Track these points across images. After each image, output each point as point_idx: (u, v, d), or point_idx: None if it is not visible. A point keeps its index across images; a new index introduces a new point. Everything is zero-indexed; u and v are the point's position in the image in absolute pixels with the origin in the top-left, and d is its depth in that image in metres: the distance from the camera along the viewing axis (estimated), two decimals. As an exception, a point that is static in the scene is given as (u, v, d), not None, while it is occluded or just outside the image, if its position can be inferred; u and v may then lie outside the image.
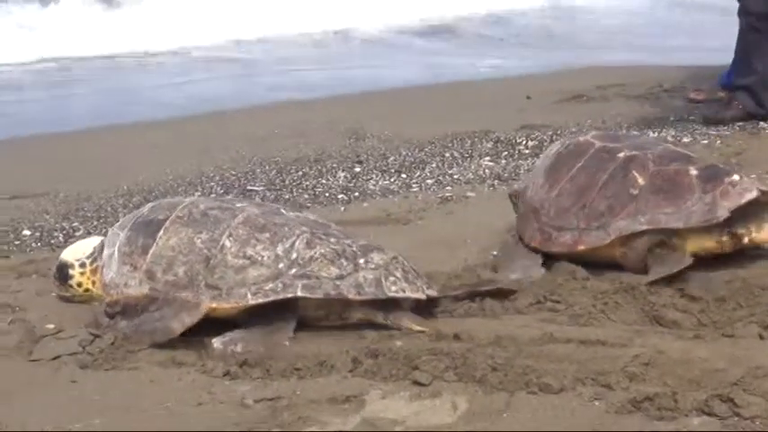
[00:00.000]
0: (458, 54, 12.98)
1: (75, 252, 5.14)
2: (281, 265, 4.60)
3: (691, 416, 3.77)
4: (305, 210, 6.40)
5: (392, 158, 7.75)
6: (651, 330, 4.58)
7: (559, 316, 4.77)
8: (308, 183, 7.13)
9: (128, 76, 11.81)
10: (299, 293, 4.56)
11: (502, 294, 4.93)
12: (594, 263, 5.29)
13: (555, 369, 4.13)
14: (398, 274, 4.66)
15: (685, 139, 7.69)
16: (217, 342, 4.51)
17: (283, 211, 4.96)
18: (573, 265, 5.25)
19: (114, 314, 4.76)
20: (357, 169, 7.48)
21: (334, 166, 7.51)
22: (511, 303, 4.88)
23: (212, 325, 4.63)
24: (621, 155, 5.38)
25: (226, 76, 11.69)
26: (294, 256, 4.61)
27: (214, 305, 4.60)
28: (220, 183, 7.16)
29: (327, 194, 6.95)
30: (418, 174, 7.41)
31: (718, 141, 7.57)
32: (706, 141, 7.60)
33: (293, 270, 4.59)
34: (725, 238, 5.23)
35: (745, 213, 5.20)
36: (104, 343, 4.57)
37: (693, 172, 5.26)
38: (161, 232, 4.77)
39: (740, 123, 8.00)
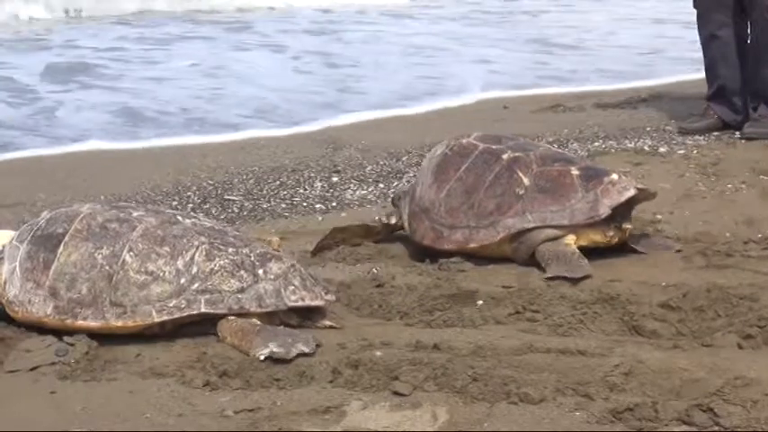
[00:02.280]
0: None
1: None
2: (182, 281, 4.62)
3: (671, 426, 3.78)
4: (282, 219, 6.41)
5: (369, 168, 7.76)
6: (630, 340, 4.59)
7: (539, 326, 4.77)
8: (285, 192, 7.15)
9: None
10: (203, 309, 4.60)
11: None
12: (485, 258, 5.55)
13: (535, 379, 4.13)
14: (297, 283, 4.71)
15: (662, 149, 7.71)
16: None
17: (180, 218, 4.93)
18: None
19: None
20: (335, 179, 7.50)
21: (312, 175, 7.53)
22: (491, 314, 4.89)
23: (190, 335, 4.67)
24: (505, 156, 5.64)
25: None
26: (195, 270, 4.64)
27: (120, 324, 4.62)
28: (197, 192, 7.16)
29: (305, 204, 6.96)
30: (396, 183, 7.43)
31: (695, 151, 7.60)
32: (683, 151, 7.63)
33: (195, 285, 4.62)
34: (611, 233, 5.52)
35: (627, 209, 5.53)
36: (79, 352, 4.56)
37: (575, 172, 5.54)
38: (61, 247, 4.74)
39: (716, 133, 8.04)
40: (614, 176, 5.53)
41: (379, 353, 4.46)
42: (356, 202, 6.97)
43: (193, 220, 4.98)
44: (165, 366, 4.46)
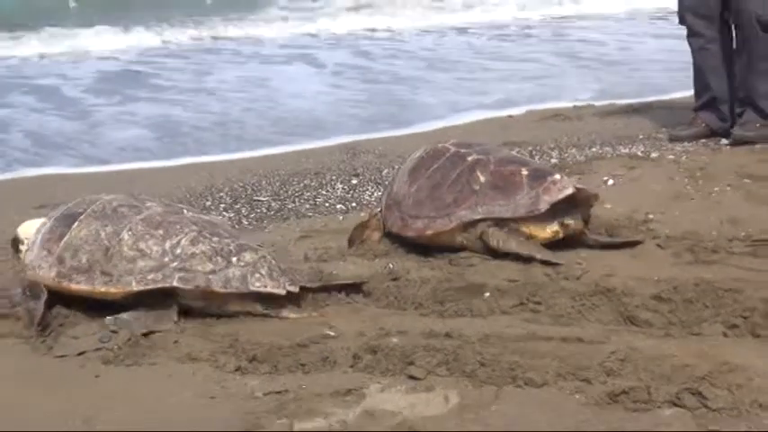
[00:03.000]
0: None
1: (27, 230, 5.25)
2: (165, 259, 4.78)
3: (663, 407, 3.76)
4: (306, 219, 6.37)
5: (386, 171, 7.72)
6: (625, 329, 4.57)
7: (541, 316, 4.75)
8: (308, 194, 7.11)
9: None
10: (175, 284, 4.72)
11: (355, 288, 5.07)
12: (441, 247, 5.64)
13: (538, 365, 4.11)
14: (264, 272, 4.81)
15: (653, 155, 7.67)
16: (109, 319, 4.69)
17: (185, 211, 5.12)
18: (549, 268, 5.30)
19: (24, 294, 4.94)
20: (354, 181, 7.46)
21: (333, 178, 7.49)
22: (497, 305, 4.87)
23: (220, 325, 4.68)
24: (470, 158, 5.76)
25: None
26: (178, 251, 4.79)
27: (103, 289, 4.77)
28: (229, 193, 7.13)
29: (327, 204, 6.93)
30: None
31: (684, 157, 7.55)
32: (672, 156, 7.58)
33: (175, 263, 4.77)
34: (556, 228, 5.57)
35: (572, 207, 5.59)
36: (122, 339, 4.57)
37: (524, 172, 5.62)
38: (75, 224, 4.95)
39: (704, 140, 8.00)
40: (556, 177, 5.61)
41: (395, 340, 4.46)
42: (374, 203, 6.93)
43: (195, 214, 5.15)
44: (200, 352, 4.45)
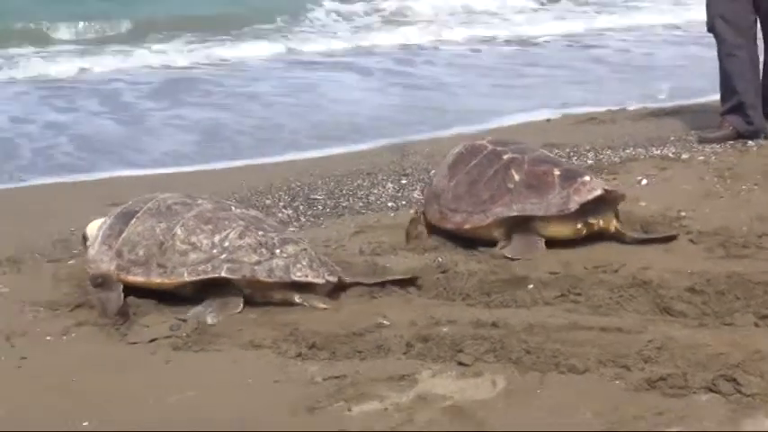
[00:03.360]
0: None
1: (93, 227, 5.32)
2: (214, 251, 4.85)
3: (699, 393, 3.76)
4: (360, 215, 6.39)
5: (433, 171, 7.68)
6: (661, 319, 4.55)
7: (582, 307, 4.74)
8: (361, 192, 7.12)
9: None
10: (223, 274, 4.78)
11: (406, 283, 5.08)
12: (477, 240, 5.65)
13: (580, 352, 4.12)
14: (305, 263, 4.86)
15: (684, 156, 7.62)
16: (191, 312, 4.76)
17: (233, 208, 5.20)
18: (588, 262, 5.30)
19: (95, 285, 4.99)
20: (404, 181, 7.46)
21: (384, 178, 7.49)
22: (540, 296, 4.87)
23: (281, 314, 4.73)
24: (506, 156, 5.75)
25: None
26: (226, 244, 4.86)
27: (158, 280, 4.87)
28: (288, 192, 7.16)
29: (379, 202, 6.93)
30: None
31: (713, 158, 7.51)
32: (702, 158, 7.53)
33: (223, 255, 4.83)
34: (579, 226, 5.56)
35: (597, 207, 5.56)
36: (190, 327, 4.62)
37: (557, 172, 5.62)
38: (133, 221, 5.04)
39: (731, 142, 7.94)
40: (587, 178, 5.62)
41: (445, 329, 4.47)
42: (422, 200, 6.92)
43: (244, 210, 5.23)
44: (262, 339, 4.48)
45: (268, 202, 6.92)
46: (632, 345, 4.18)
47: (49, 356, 4.47)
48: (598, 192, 5.53)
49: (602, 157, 7.71)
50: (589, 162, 7.55)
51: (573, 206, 5.50)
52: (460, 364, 4.11)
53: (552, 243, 5.56)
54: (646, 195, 6.56)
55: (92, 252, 5.09)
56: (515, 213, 5.56)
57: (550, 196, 5.53)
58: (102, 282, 4.96)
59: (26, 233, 6.26)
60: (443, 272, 5.25)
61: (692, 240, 5.66)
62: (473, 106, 10.39)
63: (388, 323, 4.60)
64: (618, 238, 5.64)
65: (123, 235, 5.00)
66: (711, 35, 8.12)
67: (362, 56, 13.80)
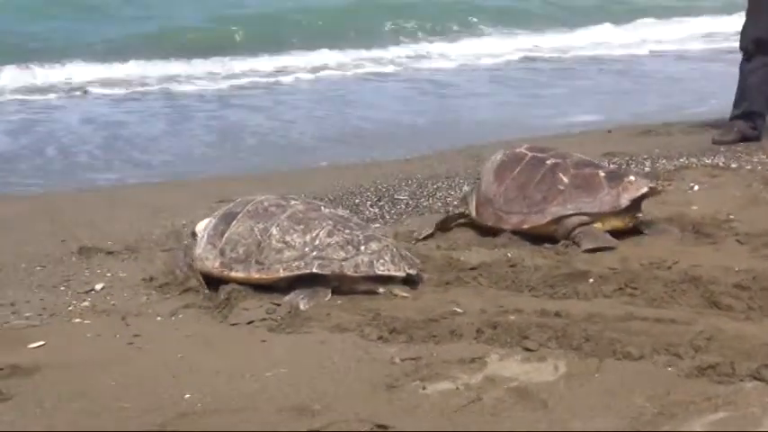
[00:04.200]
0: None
1: (201, 225, 5.27)
2: (306, 249, 4.80)
3: (745, 381, 3.63)
4: (438, 215, 6.28)
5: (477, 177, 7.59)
6: (711, 312, 4.42)
7: (637, 299, 4.62)
8: (440, 194, 7.01)
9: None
10: (314, 270, 4.75)
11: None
12: (533, 236, 5.63)
13: (635, 341, 4.01)
14: (387, 258, 4.82)
15: (733, 165, 7.43)
16: (286, 298, 4.72)
17: (323, 208, 5.13)
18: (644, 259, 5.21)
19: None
20: (478, 183, 7.35)
21: (461, 181, 7.37)
22: (599, 289, 4.75)
23: (365, 301, 4.68)
24: (549, 162, 5.76)
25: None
26: (317, 242, 4.81)
27: (257, 276, 4.82)
28: (374, 192, 7.08)
29: (456, 203, 6.80)
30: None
31: (760, 167, 7.32)
32: (750, 167, 7.35)
33: (314, 253, 4.79)
34: (627, 219, 5.63)
35: (640, 202, 5.65)
36: (283, 311, 4.57)
37: (602, 174, 5.68)
38: (234, 222, 5.00)
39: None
40: (632, 177, 5.71)
41: (512, 317, 4.39)
42: (460, 201, 6.82)
43: (332, 210, 5.16)
44: (348, 323, 4.42)
45: (357, 201, 6.85)
46: (684, 335, 4.07)
47: (159, 334, 4.44)
48: (645, 189, 5.60)
49: (657, 165, 7.54)
50: (646, 169, 7.39)
51: (624, 203, 5.56)
52: (526, 349, 4.03)
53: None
54: (697, 200, 6.45)
55: (198, 250, 5.07)
56: (571, 212, 5.56)
57: (601, 195, 5.57)
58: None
59: (143, 225, 6.27)
60: (512, 266, 5.16)
61: (738, 241, 5.55)
62: (540, 114, 10.32)
63: (461, 311, 4.53)
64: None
65: (226, 235, 4.98)
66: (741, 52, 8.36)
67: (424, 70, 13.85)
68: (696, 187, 6.82)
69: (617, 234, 5.58)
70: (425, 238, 5.80)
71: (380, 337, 4.23)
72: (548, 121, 10.04)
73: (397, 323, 4.34)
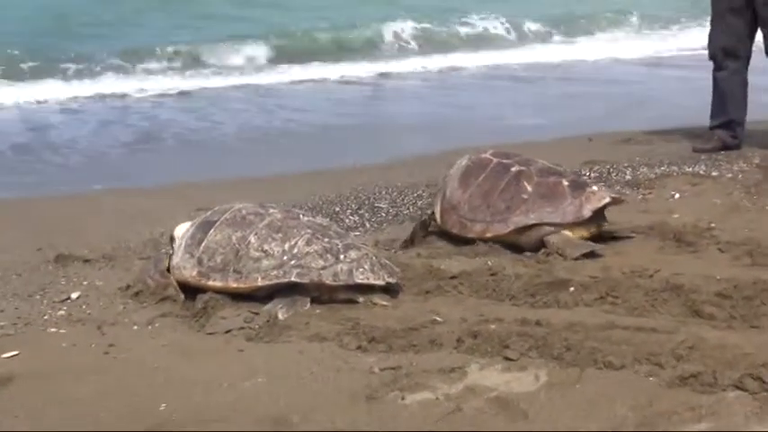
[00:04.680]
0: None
1: (179, 230, 5.24)
2: (285, 258, 4.76)
3: (727, 390, 3.60)
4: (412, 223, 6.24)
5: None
6: (692, 321, 4.38)
7: (618, 308, 4.59)
8: (421, 203, 6.96)
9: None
10: (293, 279, 4.70)
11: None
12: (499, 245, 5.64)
13: (616, 350, 3.98)
14: (366, 266, 4.77)
15: (714, 173, 7.41)
16: (264, 308, 4.66)
17: (302, 216, 5.09)
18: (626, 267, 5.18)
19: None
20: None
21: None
22: (580, 297, 4.72)
23: (344, 310, 4.65)
24: (513, 169, 5.77)
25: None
26: (296, 251, 4.77)
27: (234, 285, 4.76)
28: (354, 200, 7.03)
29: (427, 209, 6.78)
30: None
31: (740, 175, 7.31)
32: (730, 175, 7.33)
33: (292, 262, 4.74)
34: (592, 230, 5.64)
35: (602, 212, 5.68)
36: (262, 320, 4.53)
37: (565, 183, 5.67)
38: (211, 230, 4.95)
39: (757, 161, 7.76)
40: (594, 188, 5.72)
41: (493, 326, 4.35)
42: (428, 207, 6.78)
43: (311, 218, 5.12)
44: (327, 332, 4.38)
45: (337, 209, 6.80)
46: (665, 344, 4.03)
47: (135, 344, 4.39)
48: (606, 200, 5.63)
49: (638, 173, 7.51)
50: (627, 178, 7.38)
51: (587, 213, 5.57)
52: (506, 358, 3.99)
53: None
54: (678, 208, 6.43)
55: (175, 259, 5.02)
56: (533, 221, 5.57)
57: (564, 205, 5.58)
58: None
59: (121, 233, 6.21)
60: (493, 274, 5.11)
61: (720, 249, 5.52)
62: (518, 122, 10.34)
63: (441, 320, 4.49)
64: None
65: (203, 243, 4.92)
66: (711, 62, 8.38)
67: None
68: (677, 195, 6.80)
69: (596, 240, 5.60)
70: (405, 246, 5.77)
71: (359, 347, 4.19)
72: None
73: (376, 332, 4.30)
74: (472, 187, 5.81)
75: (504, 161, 5.85)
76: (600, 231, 5.68)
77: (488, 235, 5.65)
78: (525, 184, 5.66)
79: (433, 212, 6.06)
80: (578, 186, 5.68)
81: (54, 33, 16.32)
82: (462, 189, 5.84)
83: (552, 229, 5.55)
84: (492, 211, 5.67)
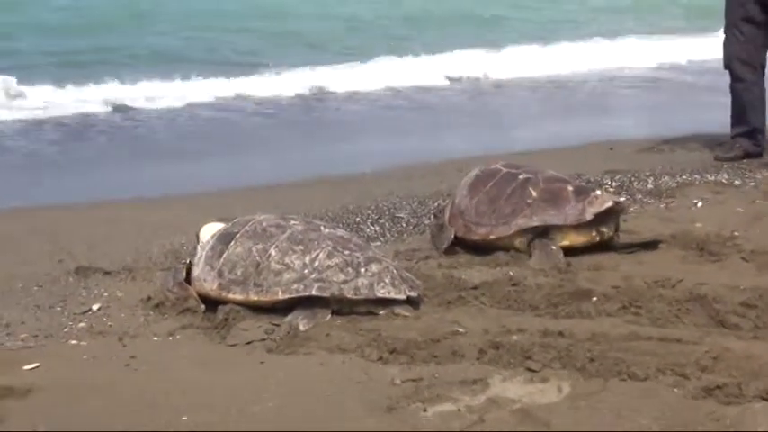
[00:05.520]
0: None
1: (206, 231, 5.26)
2: (305, 271, 4.74)
3: (753, 401, 3.58)
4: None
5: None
6: (717, 331, 4.37)
7: (642, 318, 4.56)
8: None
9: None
10: (314, 293, 4.67)
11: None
12: (501, 248, 5.70)
13: (640, 361, 3.96)
14: (387, 280, 4.75)
15: (736, 182, 7.38)
16: (285, 319, 4.64)
17: (323, 228, 5.06)
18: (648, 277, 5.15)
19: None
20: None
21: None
22: (603, 308, 4.70)
23: (365, 322, 4.63)
24: (521, 177, 5.85)
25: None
26: (316, 264, 4.75)
27: (255, 298, 4.75)
28: (375, 210, 7.00)
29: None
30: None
31: (763, 183, 7.28)
32: (753, 183, 7.30)
33: (313, 275, 4.72)
34: (593, 234, 5.68)
35: (607, 218, 5.69)
36: (282, 332, 4.51)
37: (570, 188, 5.74)
38: (232, 242, 4.93)
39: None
40: (598, 192, 5.79)
41: (515, 337, 4.33)
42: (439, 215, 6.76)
43: (332, 230, 5.10)
44: (348, 344, 4.36)
45: (357, 219, 6.77)
46: (690, 355, 4.01)
47: (156, 356, 4.38)
48: (609, 204, 5.66)
49: (660, 182, 7.48)
50: (649, 186, 7.34)
51: (588, 216, 5.60)
52: (529, 369, 3.97)
53: (574, 252, 5.63)
54: (701, 217, 6.40)
55: (196, 271, 5.01)
56: (536, 224, 5.63)
57: (567, 208, 5.63)
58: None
59: (142, 244, 6.19)
60: (514, 284, 5.10)
61: (743, 258, 5.50)
62: (536, 133, 10.30)
63: (462, 331, 4.47)
64: (611, 246, 5.75)
65: (224, 256, 4.91)
66: (727, 72, 8.39)
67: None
68: (700, 204, 6.77)
69: (608, 249, 5.67)
70: (446, 251, 5.81)
71: (381, 358, 4.18)
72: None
73: (397, 344, 4.28)
74: (480, 194, 5.89)
75: (513, 171, 5.94)
76: (608, 239, 5.71)
77: (492, 237, 5.73)
78: (531, 190, 5.73)
79: (443, 221, 6.08)
80: (582, 191, 5.74)
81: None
82: (470, 196, 5.93)
83: (557, 232, 5.63)
84: (497, 215, 5.75)
